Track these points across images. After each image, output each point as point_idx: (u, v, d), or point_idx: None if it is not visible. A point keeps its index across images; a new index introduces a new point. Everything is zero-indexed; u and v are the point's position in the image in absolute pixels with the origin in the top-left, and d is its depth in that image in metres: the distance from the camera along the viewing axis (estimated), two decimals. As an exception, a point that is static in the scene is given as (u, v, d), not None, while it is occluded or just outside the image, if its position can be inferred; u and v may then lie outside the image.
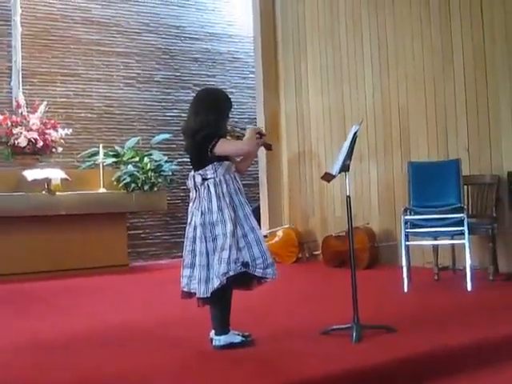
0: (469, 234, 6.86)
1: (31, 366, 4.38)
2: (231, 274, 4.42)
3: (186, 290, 4.61)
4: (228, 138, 4.71)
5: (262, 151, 10.37)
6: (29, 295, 7.94)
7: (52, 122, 10.48)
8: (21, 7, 11.16)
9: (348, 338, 4.59)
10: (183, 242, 4.69)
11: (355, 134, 4.97)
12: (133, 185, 10.36)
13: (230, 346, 4.52)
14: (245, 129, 4.99)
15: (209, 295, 4.44)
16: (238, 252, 4.46)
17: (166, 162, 11.05)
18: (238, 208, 4.58)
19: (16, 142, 10.03)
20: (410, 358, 4.20)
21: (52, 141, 10.34)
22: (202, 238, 4.51)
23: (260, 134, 4.80)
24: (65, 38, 11.71)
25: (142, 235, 12.06)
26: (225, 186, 4.56)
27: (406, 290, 6.85)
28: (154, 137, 11.93)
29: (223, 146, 4.55)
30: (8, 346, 5.00)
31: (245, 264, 4.48)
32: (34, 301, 7.51)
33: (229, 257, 4.41)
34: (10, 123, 10.16)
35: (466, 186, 7.78)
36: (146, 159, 10.72)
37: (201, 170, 4.59)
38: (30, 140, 10.05)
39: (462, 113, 8.43)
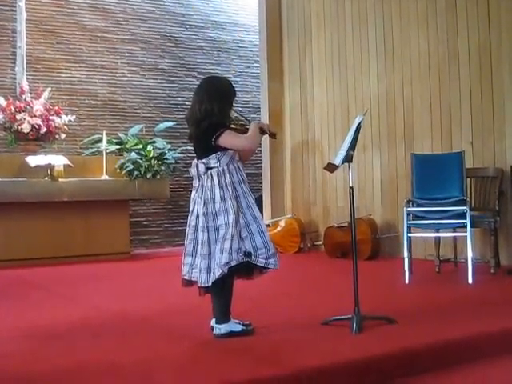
0: (471, 226, 6.86)
1: (28, 353, 4.36)
2: (233, 263, 4.42)
3: (187, 278, 4.61)
4: (232, 126, 4.69)
5: (264, 139, 10.40)
6: (29, 282, 7.94)
7: (56, 108, 10.46)
8: (26, -7, 11.16)
9: (348, 329, 4.58)
10: (185, 230, 4.70)
11: (359, 124, 4.96)
12: (136, 172, 10.36)
13: (231, 334, 4.52)
14: (249, 119, 5.00)
15: (210, 284, 4.45)
16: (240, 242, 4.46)
17: (170, 149, 11.06)
18: (241, 198, 4.58)
19: (19, 127, 10.01)
20: (410, 349, 4.20)
21: (55, 127, 10.32)
22: (205, 228, 4.51)
23: (262, 131, 4.80)
24: (70, 25, 11.70)
25: (145, 223, 12.07)
26: (228, 176, 4.55)
27: (407, 281, 6.86)
28: (157, 125, 11.95)
29: (227, 139, 4.54)
30: (5, 333, 4.98)
31: (247, 254, 4.48)
32: (34, 288, 7.50)
33: (231, 247, 4.41)
34: (13, 109, 10.14)
35: (468, 179, 7.77)
36: (149, 147, 10.73)
37: (204, 158, 4.58)
38: (33, 126, 10.03)
39: (466, 106, 8.41)
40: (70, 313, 5.75)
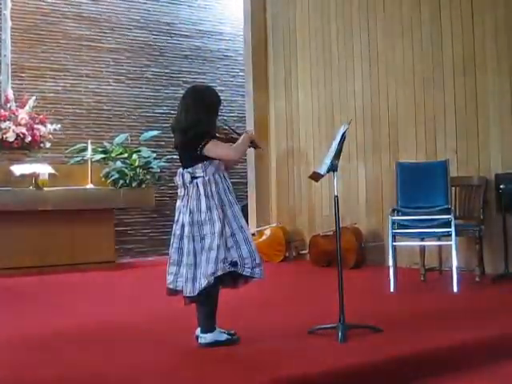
0: (456, 235, 6.88)
1: (13, 362, 4.34)
2: (219, 273, 4.42)
3: (171, 287, 4.60)
4: (217, 135, 4.70)
5: (250, 149, 10.39)
6: (14, 291, 7.90)
7: (41, 117, 10.44)
8: (11, 1, 11.07)
9: (334, 338, 4.59)
10: (170, 239, 4.68)
11: (344, 133, 4.98)
12: (121, 181, 10.34)
13: (216, 343, 4.51)
14: (233, 128, 5.01)
15: (195, 294, 4.44)
16: (226, 251, 4.46)
17: (155, 158, 11.05)
18: (227, 207, 4.57)
19: (4, 136, 9.98)
20: (395, 358, 4.21)
21: (40, 136, 10.30)
22: (190, 237, 4.50)
23: (252, 144, 4.81)
24: (55, 33, 11.68)
25: (130, 232, 12.04)
26: (214, 186, 4.54)
27: (392, 290, 6.87)
28: (142, 133, 11.92)
29: (213, 149, 4.54)
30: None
31: (233, 263, 4.48)
32: (19, 297, 7.47)
33: (217, 257, 4.41)
34: (-2, 117, 10.12)
35: (453, 188, 7.80)
36: (134, 156, 10.70)
37: (190, 167, 4.58)
38: (18, 135, 10.00)
39: (450, 114, 8.46)
40: (55, 322, 5.73)
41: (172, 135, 4.84)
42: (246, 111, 11.97)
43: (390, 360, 4.17)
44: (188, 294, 4.46)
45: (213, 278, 4.40)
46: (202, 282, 4.40)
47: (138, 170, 10.53)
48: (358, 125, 9.61)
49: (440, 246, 7.83)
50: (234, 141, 4.81)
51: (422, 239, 7.57)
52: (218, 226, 4.46)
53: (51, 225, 9.79)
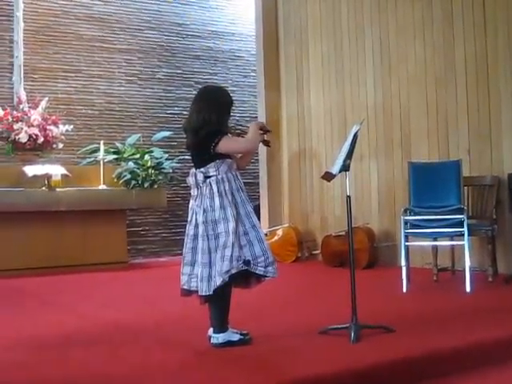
0: (468, 235, 6.85)
1: (21, 363, 4.33)
2: (234, 271, 4.42)
3: (185, 287, 4.59)
4: (229, 135, 4.70)
5: (261, 148, 10.41)
6: (26, 291, 7.92)
7: (53, 117, 10.47)
8: (23, 3, 11.16)
9: (346, 338, 4.58)
10: (183, 239, 4.68)
11: (356, 133, 4.97)
12: (133, 182, 10.36)
13: (228, 344, 4.51)
14: (245, 130, 5.00)
15: (211, 293, 4.43)
16: (239, 250, 4.46)
17: (167, 159, 11.06)
18: (240, 206, 4.57)
19: (17, 137, 10.02)
20: (407, 358, 4.19)
21: (53, 137, 10.33)
22: (205, 236, 4.50)
23: (263, 130, 4.78)
24: (66, 34, 11.71)
25: (142, 232, 12.06)
26: (227, 184, 4.55)
27: (404, 290, 6.85)
28: (154, 134, 11.95)
29: (227, 144, 4.55)
30: (-2, 342, 4.98)
31: (246, 262, 4.48)
32: (31, 297, 7.48)
33: (231, 254, 4.41)
34: (11, 118, 10.14)
35: (466, 187, 7.77)
36: (146, 156, 10.72)
37: (203, 167, 4.58)
38: (30, 136, 10.04)
39: (463, 114, 8.43)
40: (64, 322, 5.73)
41: (184, 135, 4.85)
42: (257, 111, 11.95)
43: (403, 360, 4.16)
44: (204, 293, 4.46)
45: (227, 276, 4.40)
46: (217, 280, 4.40)
47: (150, 170, 10.54)
48: (370, 124, 9.60)
49: (453, 246, 7.80)
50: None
51: (435, 239, 7.55)
52: (232, 223, 4.46)
53: (63, 225, 9.82)
